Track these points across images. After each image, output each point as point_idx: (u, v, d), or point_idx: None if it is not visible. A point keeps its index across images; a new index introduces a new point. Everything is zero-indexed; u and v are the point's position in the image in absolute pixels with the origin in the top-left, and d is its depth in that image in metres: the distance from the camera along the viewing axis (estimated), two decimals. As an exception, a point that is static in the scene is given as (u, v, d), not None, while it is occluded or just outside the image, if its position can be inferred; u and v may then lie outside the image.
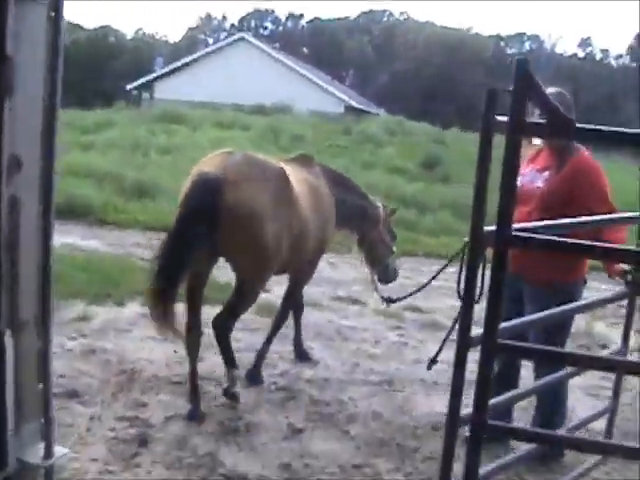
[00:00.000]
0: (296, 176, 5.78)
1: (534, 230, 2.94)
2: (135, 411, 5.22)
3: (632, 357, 4.90)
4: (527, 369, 5.40)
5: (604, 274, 4.76)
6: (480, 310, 2.82)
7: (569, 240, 2.73)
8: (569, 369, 3.67)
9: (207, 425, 5.11)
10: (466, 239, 2.78)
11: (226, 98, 34.03)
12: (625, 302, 4.32)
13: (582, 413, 5.59)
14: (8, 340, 2.03)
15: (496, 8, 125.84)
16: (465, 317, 2.75)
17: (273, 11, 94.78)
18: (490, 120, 2.58)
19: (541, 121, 2.81)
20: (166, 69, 44.31)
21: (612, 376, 5.30)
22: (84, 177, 16.06)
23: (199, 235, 4.99)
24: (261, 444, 4.93)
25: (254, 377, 6.05)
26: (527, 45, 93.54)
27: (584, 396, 6.42)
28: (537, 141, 4.89)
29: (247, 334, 7.10)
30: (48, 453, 2.34)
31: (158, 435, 4.89)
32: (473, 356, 2.87)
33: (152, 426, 5.01)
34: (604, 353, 7.75)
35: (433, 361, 3.45)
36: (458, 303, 8.16)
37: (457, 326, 2.86)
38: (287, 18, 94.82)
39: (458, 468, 2.99)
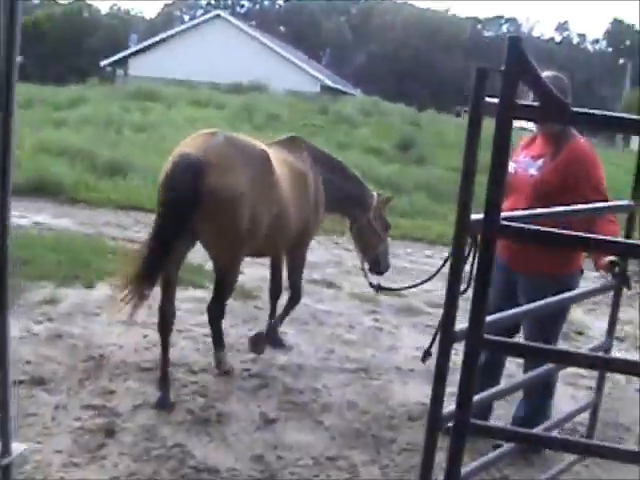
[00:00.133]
0: (280, 158, 5.74)
1: (523, 219, 2.79)
2: (102, 399, 5.03)
3: (618, 351, 4.77)
4: (511, 359, 5.30)
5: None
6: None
7: (560, 231, 2.57)
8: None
9: (177, 414, 4.93)
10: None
11: (202, 76, 33.79)
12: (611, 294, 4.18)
13: (561, 403, 5.50)
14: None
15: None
16: (449, 310, 2.59)
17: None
18: (479, 101, 2.41)
19: (534, 104, 2.64)
20: (141, 45, 43.85)
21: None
22: (56, 155, 15.84)
23: (182, 218, 4.92)
24: (232, 435, 4.76)
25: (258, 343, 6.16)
26: (504, 28, 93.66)
27: (562, 385, 6.28)
28: (528, 125, 4.74)
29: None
30: (5, 451, 2.22)
31: (125, 425, 4.71)
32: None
33: (119, 415, 4.82)
34: (582, 340, 7.71)
35: (427, 353, 3.27)
36: (433, 287, 8.12)
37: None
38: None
39: (439, 458, 2.85)
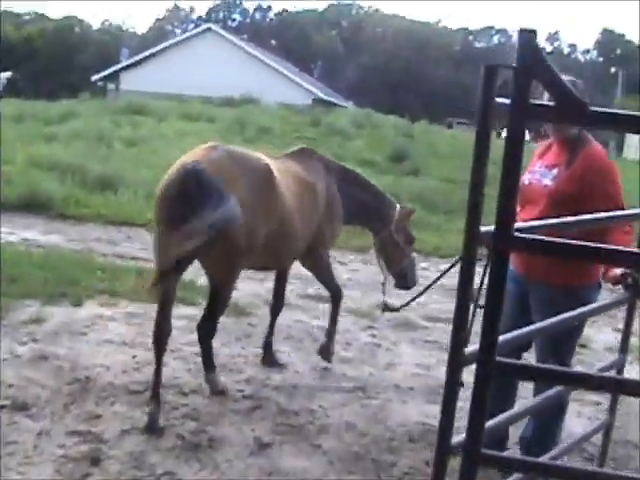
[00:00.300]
0: (284, 169, 5.64)
1: (536, 229, 2.57)
2: (88, 424, 4.77)
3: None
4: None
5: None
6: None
7: (571, 242, 2.34)
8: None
9: (166, 440, 4.67)
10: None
11: (194, 90, 33.65)
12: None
13: (568, 420, 5.26)
14: None
15: (464, 2, 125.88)
16: (458, 331, 2.37)
17: (241, 2, 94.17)
18: (489, 102, 2.19)
19: (549, 103, 2.40)
20: (132, 59, 43.73)
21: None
22: (46, 169, 15.66)
23: (178, 227, 4.71)
24: (225, 461, 4.50)
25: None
26: (495, 39, 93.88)
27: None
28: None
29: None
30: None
31: (112, 452, 4.45)
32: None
33: (106, 442, 4.57)
34: (585, 354, 7.48)
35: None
36: (430, 300, 7.87)
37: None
38: (255, 10, 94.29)
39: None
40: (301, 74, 47.47)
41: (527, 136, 4.21)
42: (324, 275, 6.46)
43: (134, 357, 6.02)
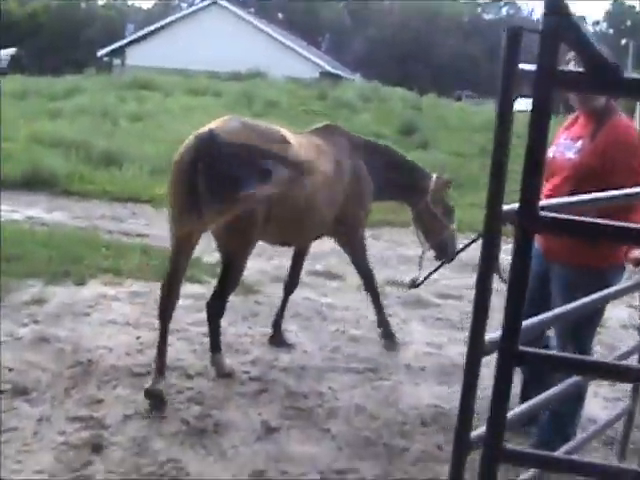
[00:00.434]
0: (306, 144, 5.52)
1: (561, 207, 2.38)
2: (89, 409, 4.61)
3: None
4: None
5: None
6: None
7: (606, 222, 2.13)
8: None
9: (170, 425, 4.51)
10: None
11: (200, 64, 33.37)
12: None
13: (586, 402, 5.08)
14: None
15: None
16: (479, 318, 2.18)
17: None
18: (512, 68, 1.99)
19: (579, 70, 2.18)
20: (138, 34, 43.38)
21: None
22: (51, 146, 15.54)
23: (194, 192, 4.69)
24: (231, 447, 4.34)
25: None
26: (504, 11, 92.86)
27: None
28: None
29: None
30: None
31: (114, 438, 4.30)
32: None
33: (107, 427, 4.41)
34: (602, 332, 7.28)
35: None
36: (440, 277, 7.68)
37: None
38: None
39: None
40: (308, 47, 47.03)
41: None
42: (355, 255, 6.33)
43: (138, 338, 5.87)
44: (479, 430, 2.37)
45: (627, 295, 7.46)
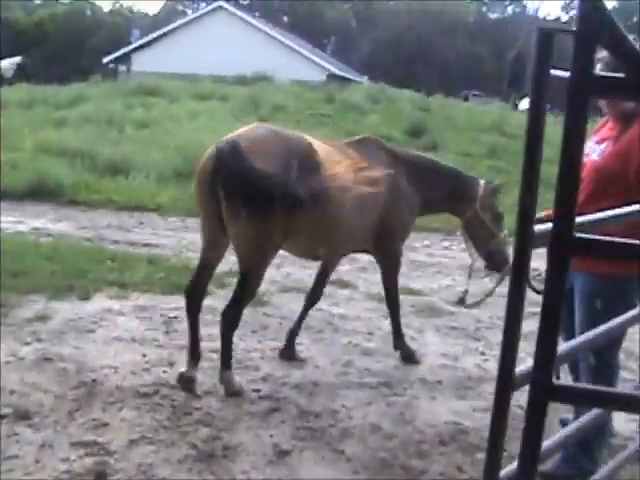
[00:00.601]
0: (338, 155, 5.42)
1: (593, 223, 2.17)
2: (94, 434, 4.41)
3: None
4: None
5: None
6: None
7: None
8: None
9: (177, 449, 4.30)
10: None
11: (205, 69, 33.21)
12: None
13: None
14: None
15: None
16: (508, 350, 1.97)
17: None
18: (544, 74, 1.79)
19: (618, 75, 1.97)
20: (143, 40, 43.25)
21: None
22: (56, 155, 15.42)
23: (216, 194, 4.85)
24: (241, 472, 4.12)
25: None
26: (510, 9, 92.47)
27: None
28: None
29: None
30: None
31: (119, 465, 4.09)
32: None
33: (112, 453, 4.20)
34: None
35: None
36: (453, 283, 7.50)
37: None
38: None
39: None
40: (314, 50, 46.83)
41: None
42: (388, 271, 6.14)
43: (144, 356, 5.68)
44: (509, 468, 2.17)
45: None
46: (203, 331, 6.11)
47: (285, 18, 74.88)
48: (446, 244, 11.81)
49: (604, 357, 4.00)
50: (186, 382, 5.08)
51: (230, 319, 5.11)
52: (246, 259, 5.03)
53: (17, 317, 6.30)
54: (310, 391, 5.35)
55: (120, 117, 20.56)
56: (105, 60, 43.89)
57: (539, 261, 2.30)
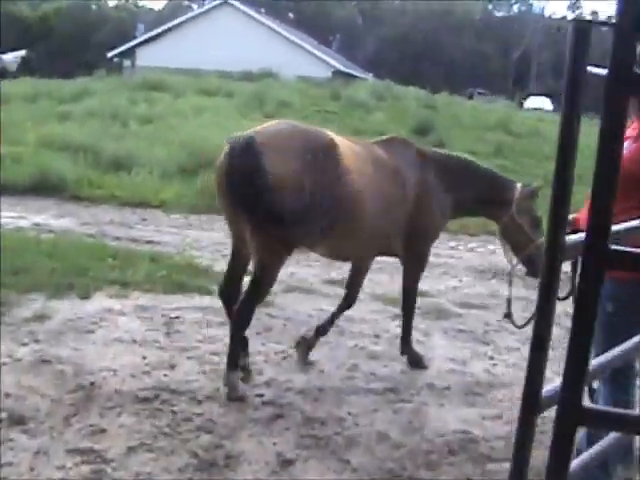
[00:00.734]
0: (363, 154, 5.29)
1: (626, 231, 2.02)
2: (90, 441, 4.26)
3: None
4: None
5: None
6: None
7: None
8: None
9: (177, 457, 4.15)
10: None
11: (211, 65, 33.12)
12: None
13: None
14: None
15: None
16: (535, 368, 1.82)
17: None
18: (579, 70, 1.64)
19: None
20: (148, 35, 43.14)
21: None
22: (59, 150, 15.29)
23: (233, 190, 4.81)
24: (243, 483, 4.00)
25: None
26: (515, 8, 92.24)
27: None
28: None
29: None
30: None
31: (116, 474, 3.94)
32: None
33: (109, 461, 4.05)
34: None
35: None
36: (460, 284, 7.34)
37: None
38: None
39: None
40: (320, 47, 46.68)
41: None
42: (411, 273, 6.00)
43: (144, 358, 5.52)
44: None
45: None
46: (206, 333, 6.00)
47: (291, 15, 74.74)
48: (452, 244, 11.63)
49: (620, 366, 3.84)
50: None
51: (241, 319, 4.99)
52: (262, 260, 4.91)
53: (15, 316, 6.14)
54: (315, 397, 5.19)
55: (124, 112, 20.41)
56: (110, 55, 43.78)
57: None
